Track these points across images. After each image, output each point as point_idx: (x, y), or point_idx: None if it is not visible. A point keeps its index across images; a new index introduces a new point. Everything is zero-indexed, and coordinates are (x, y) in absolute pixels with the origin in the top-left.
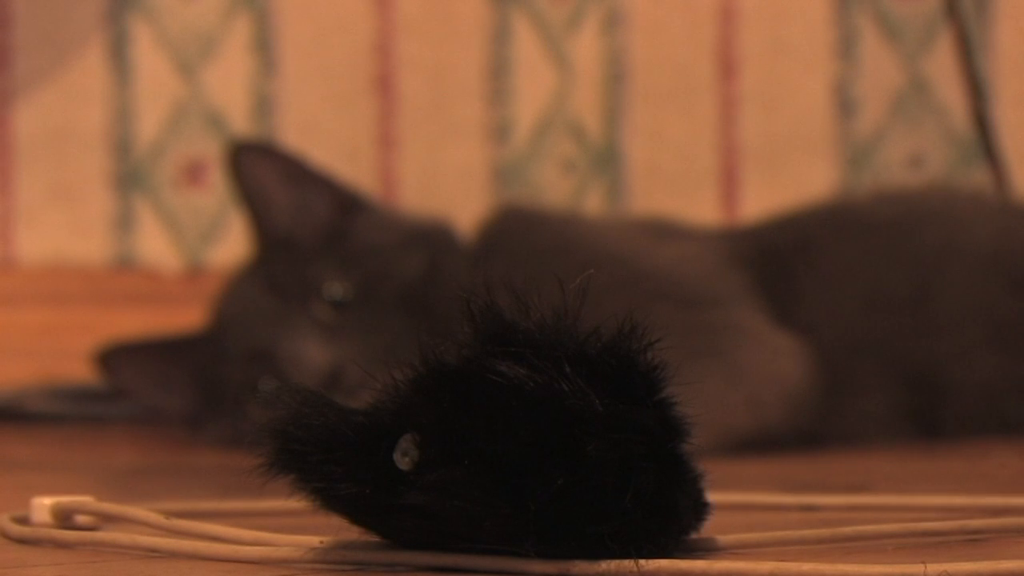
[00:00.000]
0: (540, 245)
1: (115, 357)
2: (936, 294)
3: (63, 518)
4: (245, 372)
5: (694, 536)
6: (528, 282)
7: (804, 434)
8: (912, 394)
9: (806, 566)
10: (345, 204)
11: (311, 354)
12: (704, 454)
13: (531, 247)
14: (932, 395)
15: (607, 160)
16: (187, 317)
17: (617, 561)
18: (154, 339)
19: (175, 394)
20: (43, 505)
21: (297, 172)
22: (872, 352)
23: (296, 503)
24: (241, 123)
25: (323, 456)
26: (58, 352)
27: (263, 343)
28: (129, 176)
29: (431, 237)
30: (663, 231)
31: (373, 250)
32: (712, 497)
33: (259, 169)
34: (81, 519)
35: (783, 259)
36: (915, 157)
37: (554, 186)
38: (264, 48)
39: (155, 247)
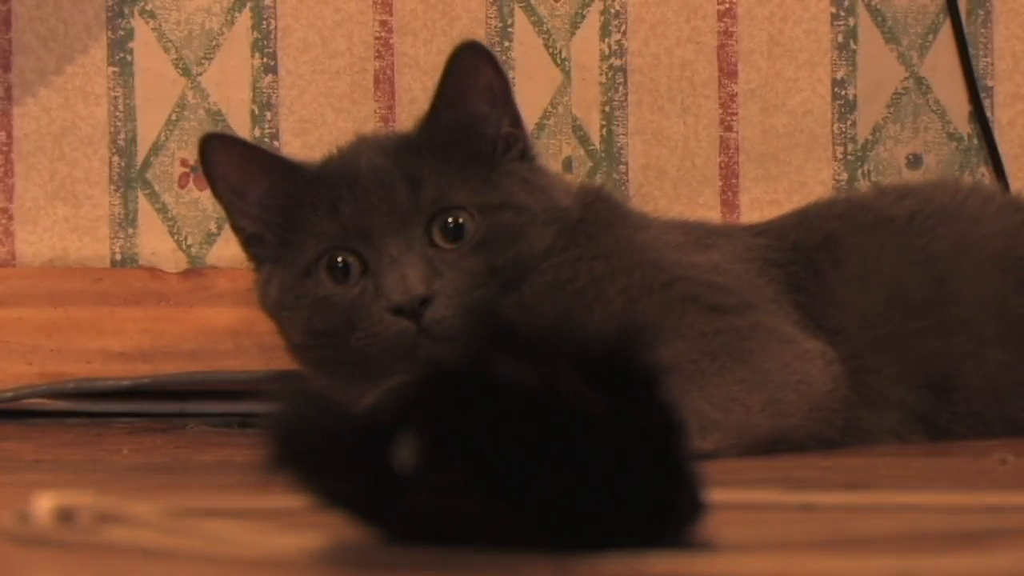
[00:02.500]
0: (610, 242)
1: (217, 142)
2: (950, 292)
3: (63, 517)
4: (333, 235)
5: (694, 536)
6: (591, 280)
7: (826, 440)
8: (925, 396)
9: (806, 565)
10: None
11: (415, 269)
12: (721, 455)
13: (604, 242)
14: (943, 396)
15: (607, 160)
16: (189, 316)
17: (618, 560)
18: (263, 148)
19: (251, 203)
20: (43, 504)
21: None
22: (892, 354)
23: (297, 502)
24: (242, 123)
25: (324, 456)
26: (58, 352)
27: (367, 225)
28: (130, 176)
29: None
30: (704, 232)
31: (517, 205)
32: (712, 497)
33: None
34: (81, 519)
35: (811, 257)
36: (914, 156)
37: None
38: (264, 48)
39: (156, 247)
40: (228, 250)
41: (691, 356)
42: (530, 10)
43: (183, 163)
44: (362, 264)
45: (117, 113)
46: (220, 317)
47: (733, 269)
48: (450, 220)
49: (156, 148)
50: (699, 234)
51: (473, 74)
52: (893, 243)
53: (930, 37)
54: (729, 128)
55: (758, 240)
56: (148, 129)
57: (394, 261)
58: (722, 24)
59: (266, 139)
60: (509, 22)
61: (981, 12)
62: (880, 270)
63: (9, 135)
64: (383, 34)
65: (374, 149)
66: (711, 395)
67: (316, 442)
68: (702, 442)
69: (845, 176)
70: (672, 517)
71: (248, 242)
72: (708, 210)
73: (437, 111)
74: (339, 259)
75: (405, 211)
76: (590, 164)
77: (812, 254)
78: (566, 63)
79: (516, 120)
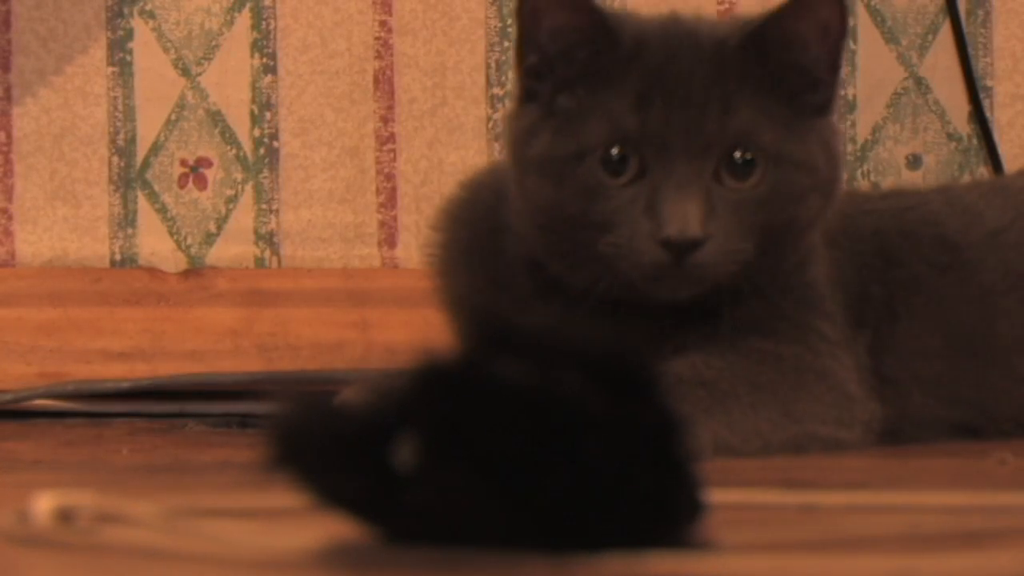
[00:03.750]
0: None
1: None
2: (995, 327)
3: (63, 518)
4: (628, 127)
5: (693, 535)
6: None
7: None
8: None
9: (806, 566)
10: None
11: (696, 207)
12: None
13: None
14: (977, 433)
15: None
16: (188, 317)
17: (617, 560)
18: None
19: (543, 32)
20: (43, 504)
21: None
22: (936, 393)
23: (297, 502)
24: (241, 123)
25: (323, 455)
26: (58, 352)
27: (666, 135)
28: (130, 176)
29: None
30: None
31: (811, 167)
32: (712, 497)
33: None
34: (81, 519)
35: (886, 302)
36: (914, 156)
37: None
38: (264, 48)
39: (156, 247)
40: (228, 250)
41: (732, 380)
42: None
43: (183, 163)
44: (641, 166)
45: (117, 113)
46: (220, 317)
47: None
48: (743, 157)
49: (156, 148)
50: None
51: (816, 5)
52: (960, 280)
53: (930, 37)
54: None
55: (835, 253)
56: (148, 129)
57: (680, 188)
58: None
59: (265, 139)
60: (509, 22)
61: (981, 12)
62: (945, 312)
63: (9, 135)
64: (382, 34)
65: (694, 47)
66: (735, 422)
67: (316, 442)
68: (711, 459)
69: (845, 176)
70: (672, 517)
71: (524, 73)
72: None
73: (766, 27)
74: (621, 153)
75: (708, 135)
76: None
77: (889, 297)
78: None
79: (835, 68)
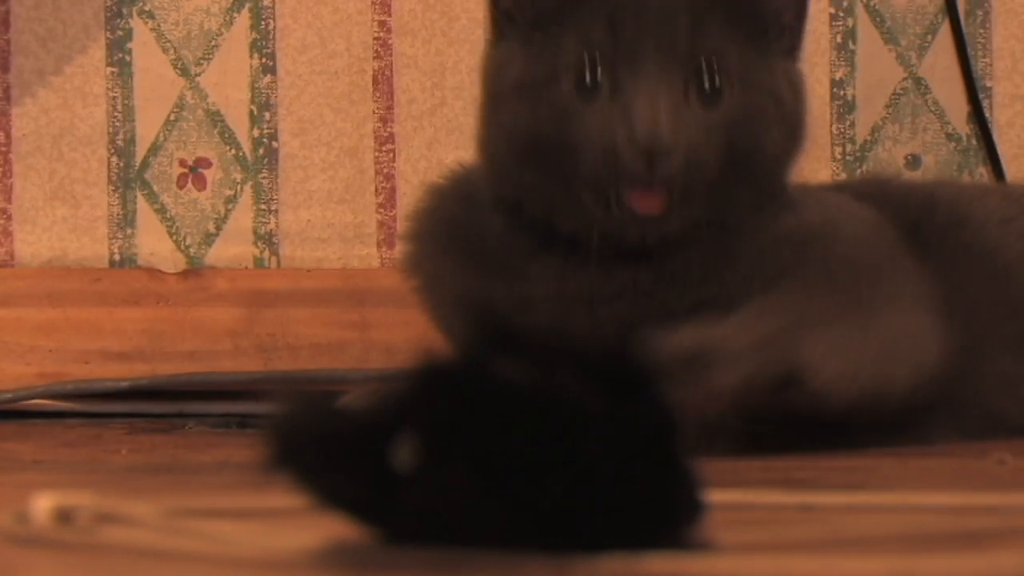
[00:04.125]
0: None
1: None
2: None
3: (62, 518)
4: (600, 44)
5: (693, 536)
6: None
7: (920, 411)
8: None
9: (805, 566)
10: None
11: (669, 115)
12: (829, 400)
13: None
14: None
15: None
16: (187, 317)
17: (616, 560)
18: None
19: None
20: (42, 505)
21: None
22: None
23: (296, 502)
24: (240, 123)
25: (323, 455)
26: (57, 352)
27: (638, 48)
28: (129, 176)
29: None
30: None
31: (778, 97)
32: (711, 497)
33: None
34: (80, 519)
35: (909, 240)
36: (913, 156)
37: None
38: (263, 48)
39: (155, 247)
40: (227, 250)
41: (818, 307)
42: None
43: (182, 163)
44: (613, 86)
45: (116, 113)
46: (219, 317)
47: (873, 229)
48: (711, 81)
49: (155, 148)
50: (824, 200)
51: None
52: (972, 242)
53: (929, 37)
54: None
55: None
56: (147, 129)
57: (650, 98)
58: None
59: (265, 140)
60: None
61: (980, 12)
62: (964, 263)
63: (8, 135)
64: (382, 34)
65: None
66: (829, 338)
67: (315, 442)
68: (812, 383)
69: (844, 177)
70: (671, 517)
71: (499, 15)
72: None
73: None
74: (591, 74)
75: (680, 50)
76: None
77: (908, 237)
78: None
79: (801, 16)
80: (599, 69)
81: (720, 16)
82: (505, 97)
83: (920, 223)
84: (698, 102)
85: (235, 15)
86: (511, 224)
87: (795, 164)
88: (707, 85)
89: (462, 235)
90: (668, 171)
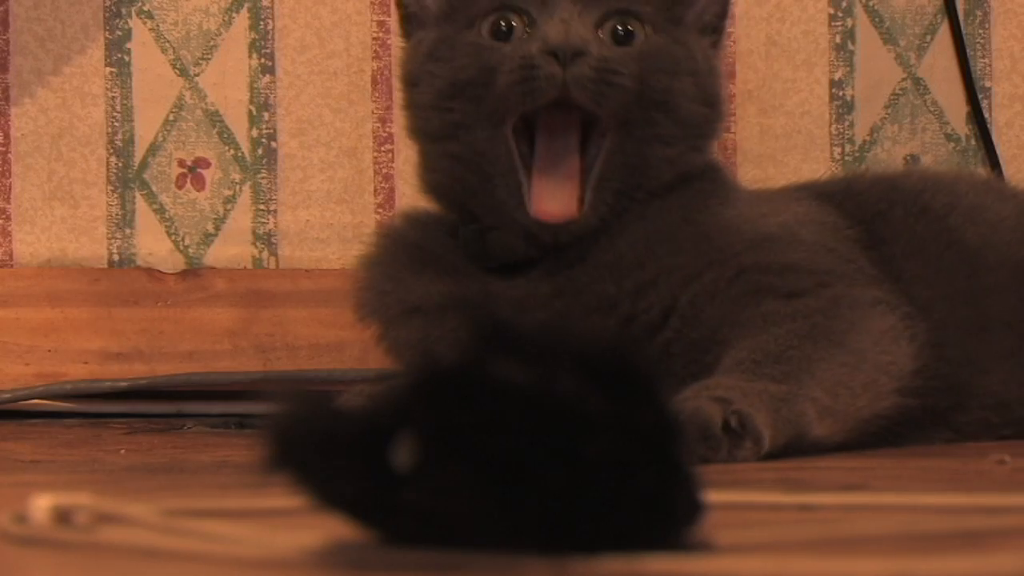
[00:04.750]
0: (696, 229)
1: None
2: (978, 295)
3: (61, 518)
4: None
5: (692, 536)
6: (662, 271)
7: (908, 417)
8: (948, 396)
9: (804, 566)
10: None
11: (578, 29)
12: (831, 440)
13: (694, 223)
14: (961, 401)
15: None
16: (186, 317)
17: (616, 561)
18: None
19: None
20: (41, 505)
21: None
22: (932, 349)
23: (295, 502)
24: (239, 123)
25: (322, 456)
26: (56, 352)
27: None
28: (128, 176)
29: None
30: (779, 195)
31: (692, 58)
32: (710, 497)
33: None
34: (80, 519)
35: (868, 228)
36: (912, 157)
37: None
38: (262, 48)
39: (154, 247)
40: (226, 251)
41: (791, 342)
42: None
43: (180, 163)
44: (525, 24)
45: (115, 113)
46: (218, 318)
47: (808, 234)
48: (623, 26)
49: (154, 148)
50: (777, 199)
51: None
52: (933, 231)
53: (928, 38)
54: (726, 129)
55: (819, 201)
56: (146, 129)
57: (563, 21)
58: None
59: (263, 140)
60: None
61: (979, 13)
62: (924, 252)
63: (7, 135)
64: (381, 35)
65: None
66: (823, 380)
67: (314, 442)
68: (818, 428)
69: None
70: (670, 518)
71: (406, 19)
72: None
73: None
74: (505, 21)
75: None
76: None
77: (868, 225)
78: None
79: (723, 14)
80: (512, 16)
81: None
82: (424, 63)
83: (881, 214)
84: (610, 39)
85: (234, 15)
86: (444, 233)
87: (712, 140)
88: (620, 28)
89: (407, 254)
90: (582, 72)
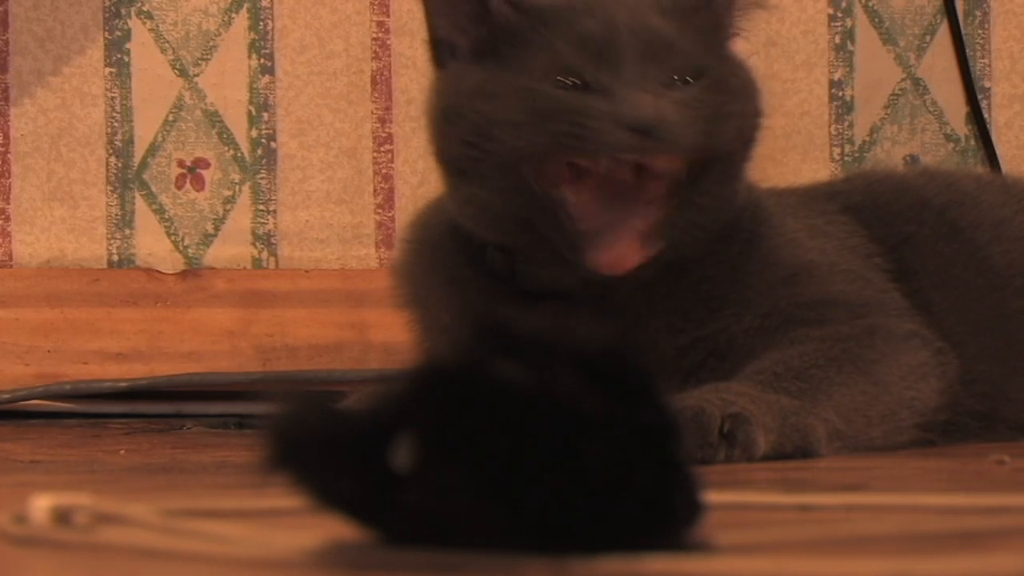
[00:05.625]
0: (741, 273)
1: None
2: (1004, 320)
3: (61, 518)
4: (569, 54)
5: (692, 536)
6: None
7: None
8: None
9: (803, 566)
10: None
11: (653, 96)
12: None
13: (739, 268)
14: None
15: None
16: (185, 317)
17: (615, 561)
18: None
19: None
20: (41, 505)
21: None
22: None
23: (294, 503)
24: (239, 123)
25: (321, 456)
26: (55, 353)
27: (612, 52)
28: (127, 176)
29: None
30: (813, 217)
31: (742, 76)
32: (710, 497)
33: None
34: (78, 519)
35: (898, 255)
36: (912, 157)
37: None
38: (261, 49)
39: (153, 247)
40: (225, 251)
41: (816, 361)
42: None
43: (180, 164)
44: (595, 83)
45: (114, 114)
46: (217, 318)
47: (844, 262)
48: (682, 80)
49: (153, 149)
50: (809, 215)
51: None
52: (962, 256)
53: (928, 38)
54: None
55: (849, 220)
56: (145, 130)
57: (634, 84)
58: None
59: (263, 140)
60: None
61: (978, 13)
62: (953, 280)
63: (6, 136)
64: (380, 35)
65: None
66: (839, 404)
67: (314, 442)
68: (826, 449)
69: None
70: (670, 518)
71: (436, 43)
72: None
73: None
74: (568, 80)
75: (657, 47)
76: None
77: (897, 252)
78: None
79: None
80: (570, 78)
81: (682, 22)
82: (467, 99)
83: (908, 240)
84: (680, 85)
85: (233, 16)
86: (472, 252)
87: (747, 166)
88: (679, 80)
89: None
90: (661, 138)
